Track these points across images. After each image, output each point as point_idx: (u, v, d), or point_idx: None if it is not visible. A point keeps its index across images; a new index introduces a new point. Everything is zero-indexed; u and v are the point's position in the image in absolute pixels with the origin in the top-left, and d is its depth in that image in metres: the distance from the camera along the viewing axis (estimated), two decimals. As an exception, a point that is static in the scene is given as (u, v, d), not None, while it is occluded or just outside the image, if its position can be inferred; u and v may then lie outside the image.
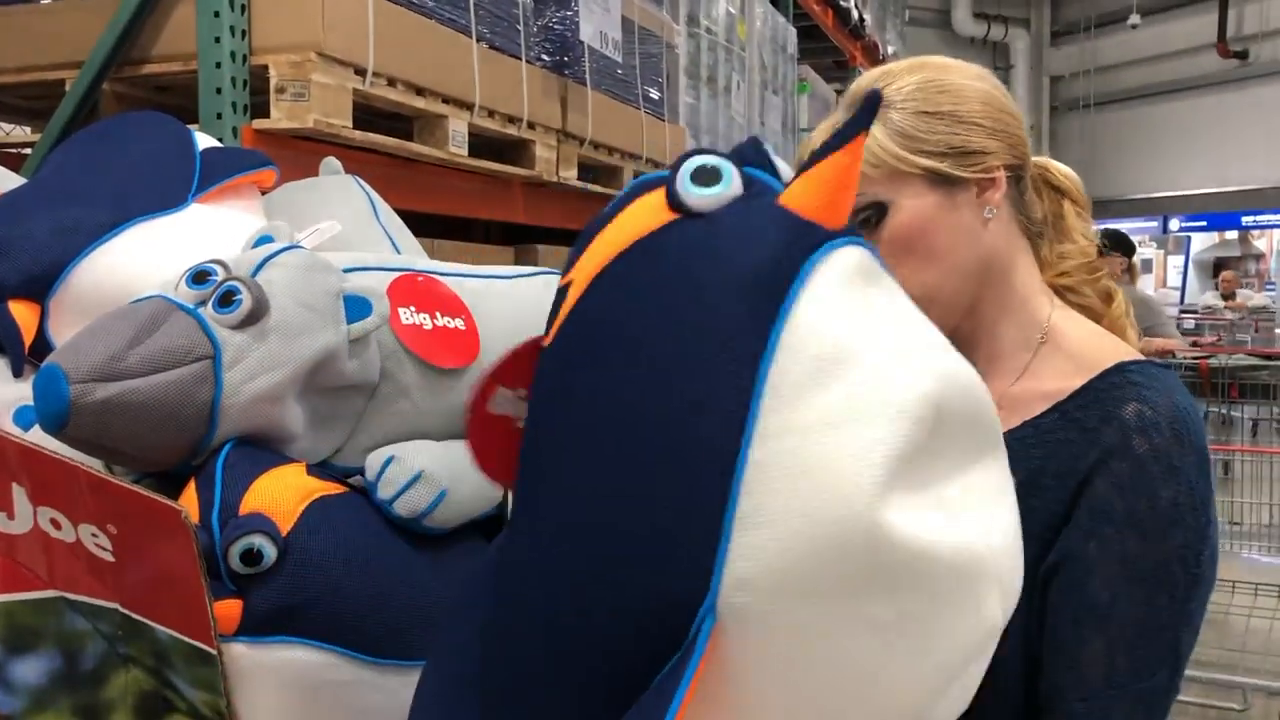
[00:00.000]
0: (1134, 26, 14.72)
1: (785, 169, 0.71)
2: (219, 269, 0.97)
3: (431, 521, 1.01)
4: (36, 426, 0.95)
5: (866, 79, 1.09)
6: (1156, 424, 0.90)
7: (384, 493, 1.00)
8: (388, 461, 1.02)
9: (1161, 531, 0.89)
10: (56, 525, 0.88)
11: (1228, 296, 11.53)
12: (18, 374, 1.09)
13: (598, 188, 3.26)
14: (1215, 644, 3.46)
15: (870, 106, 0.63)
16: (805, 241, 0.62)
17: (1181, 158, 15.38)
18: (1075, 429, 0.94)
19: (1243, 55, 14.29)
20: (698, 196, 0.65)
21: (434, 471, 1.02)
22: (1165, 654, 0.91)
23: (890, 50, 8.83)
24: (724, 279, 0.62)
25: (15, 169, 1.94)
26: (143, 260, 1.12)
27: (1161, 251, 16.60)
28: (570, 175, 3.00)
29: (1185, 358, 4.80)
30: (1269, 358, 5.12)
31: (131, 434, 0.89)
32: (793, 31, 5.69)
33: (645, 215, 0.67)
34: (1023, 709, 0.95)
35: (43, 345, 1.11)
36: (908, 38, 10.11)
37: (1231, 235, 16.27)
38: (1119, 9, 15.16)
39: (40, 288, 1.10)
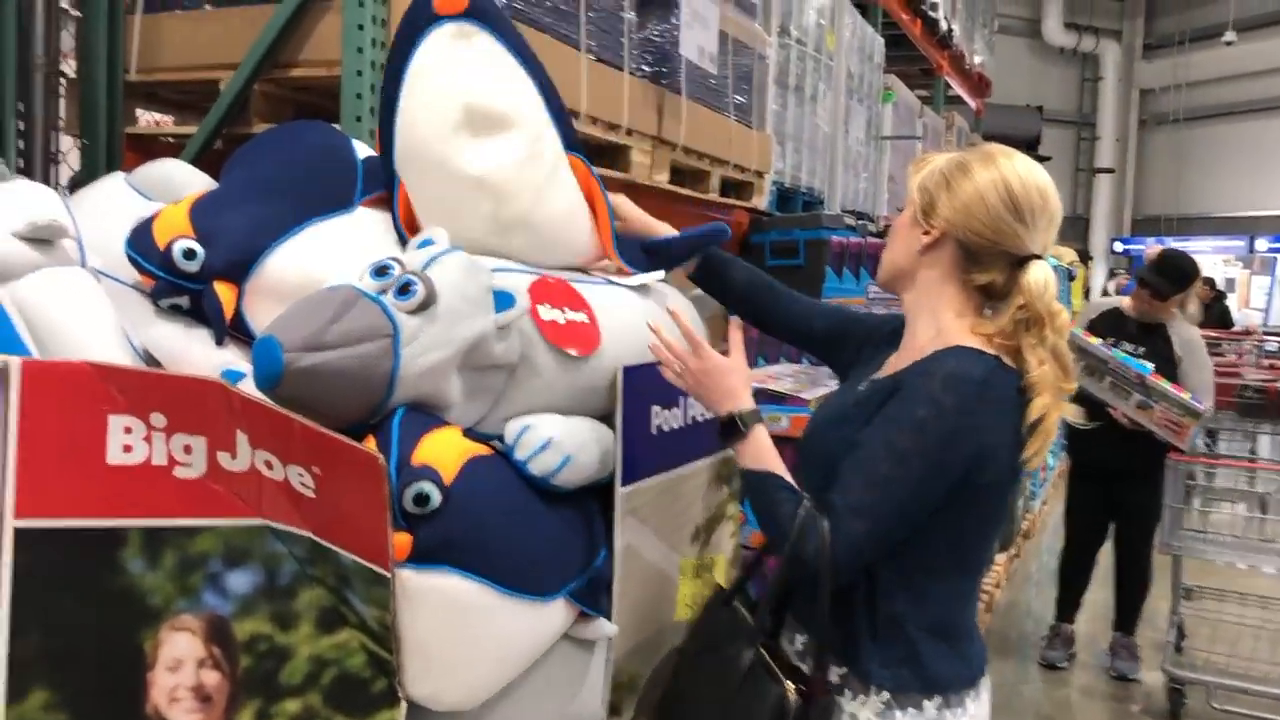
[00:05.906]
0: (1229, 43, 14.51)
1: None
2: (396, 264, 1.17)
3: (558, 481, 1.21)
4: (241, 386, 1.17)
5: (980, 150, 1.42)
6: (931, 373, 1.27)
7: (520, 454, 1.21)
8: (524, 430, 1.22)
9: (910, 424, 1.24)
10: (269, 466, 1.09)
11: None
12: (220, 343, 1.31)
13: (687, 190, 3.44)
14: (1268, 660, 3.56)
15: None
16: None
17: (1271, 177, 15.11)
18: (894, 382, 1.31)
19: (1341, 75, 14.03)
20: None
21: (561, 440, 1.22)
22: (879, 479, 1.24)
23: (978, 60, 8.86)
24: None
25: (170, 154, 2.18)
26: (322, 254, 1.33)
27: (1247, 271, 16.31)
28: (663, 179, 3.18)
29: (1254, 380, 4.87)
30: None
31: (328, 395, 1.10)
32: (880, 41, 5.80)
33: None
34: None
35: (238, 321, 1.33)
36: (996, 46, 10.11)
37: (1320, 257, 15.94)
38: (1215, 24, 14.94)
39: (239, 273, 1.32)
